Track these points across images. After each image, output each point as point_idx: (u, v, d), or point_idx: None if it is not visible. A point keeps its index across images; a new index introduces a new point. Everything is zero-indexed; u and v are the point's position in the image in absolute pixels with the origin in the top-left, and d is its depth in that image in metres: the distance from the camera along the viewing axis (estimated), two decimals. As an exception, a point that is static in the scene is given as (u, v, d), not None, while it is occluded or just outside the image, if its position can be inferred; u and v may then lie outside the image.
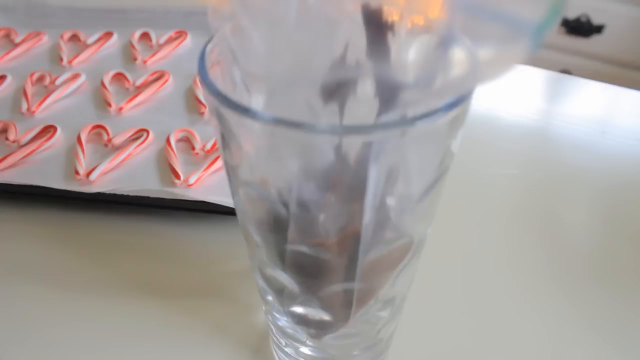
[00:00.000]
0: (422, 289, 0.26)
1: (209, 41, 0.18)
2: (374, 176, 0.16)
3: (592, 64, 1.18)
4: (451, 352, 0.28)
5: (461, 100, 0.16)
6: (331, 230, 0.18)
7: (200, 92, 0.41)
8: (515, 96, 0.47)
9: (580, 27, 1.16)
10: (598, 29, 1.15)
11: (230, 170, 0.19)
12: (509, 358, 0.28)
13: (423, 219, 0.20)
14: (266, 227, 0.20)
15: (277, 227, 0.19)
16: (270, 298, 0.23)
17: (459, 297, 0.30)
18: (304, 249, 0.19)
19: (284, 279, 0.21)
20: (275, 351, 0.27)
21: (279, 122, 0.15)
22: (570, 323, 0.29)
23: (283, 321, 0.24)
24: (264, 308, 0.25)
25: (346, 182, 0.17)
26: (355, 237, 0.18)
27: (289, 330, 0.24)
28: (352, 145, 0.16)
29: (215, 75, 0.17)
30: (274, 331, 0.25)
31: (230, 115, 0.16)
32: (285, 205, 0.18)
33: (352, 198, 0.17)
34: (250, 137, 0.17)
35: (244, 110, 0.16)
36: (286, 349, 0.25)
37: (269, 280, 0.22)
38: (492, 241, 0.34)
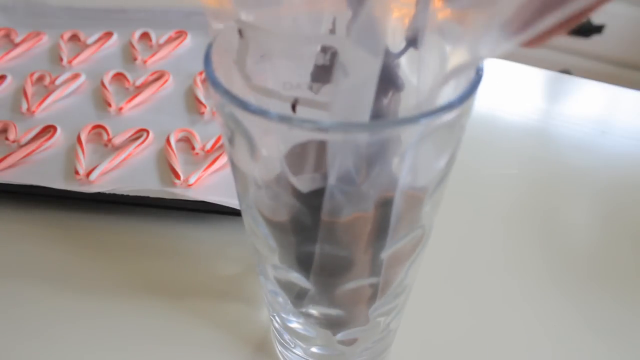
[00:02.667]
0: (421, 284, 0.26)
1: (211, 43, 0.18)
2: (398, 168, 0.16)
3: (592, 64, 1.18)
4: (449, 345, 0.28)
5: (473, 87, 0.16)
6: (371, 198, 0.17)
7: (201, 92, 0.41)
8: (515, 96, 0.47)
9: (580, 27, 1.16)
10: (598, 29, 1.15)
11: (241, 174, 0.19)
12: (507, 356, 0.28)
13: (434, 209, 0.20)
14: (282, 228, 0.19)
15: (297, 227, 0.19)
16: (281, 300, 0.22)
17: (457, 296, 0.30)
18: (330, 244, 0.18)
19: (300, 280, 0.20)
20: (281, 352, 0.26)
21: (293, 121, 0.15)
22: (569, 322, 0.29)
23: (294, 322, 0.23)
24: (270, 309, 0.25)
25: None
26: (389, 206, 0.18)
27: (301, 331, 0.24)
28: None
29: (219, 76, 0.17)
30: (282, 332, 0.25)
31: (244, 116, 0.16)
32: (306, 201, 0.18)
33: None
34: (268, 135, 0.17)
35: (261, 112, 0.15)
36: (295, 350, 0.25)
37: (281, 283, 0.22)
38: (492, 241, 0.34)
